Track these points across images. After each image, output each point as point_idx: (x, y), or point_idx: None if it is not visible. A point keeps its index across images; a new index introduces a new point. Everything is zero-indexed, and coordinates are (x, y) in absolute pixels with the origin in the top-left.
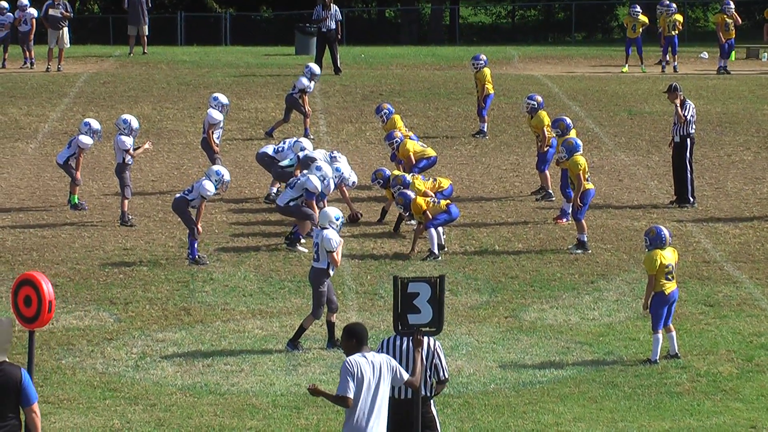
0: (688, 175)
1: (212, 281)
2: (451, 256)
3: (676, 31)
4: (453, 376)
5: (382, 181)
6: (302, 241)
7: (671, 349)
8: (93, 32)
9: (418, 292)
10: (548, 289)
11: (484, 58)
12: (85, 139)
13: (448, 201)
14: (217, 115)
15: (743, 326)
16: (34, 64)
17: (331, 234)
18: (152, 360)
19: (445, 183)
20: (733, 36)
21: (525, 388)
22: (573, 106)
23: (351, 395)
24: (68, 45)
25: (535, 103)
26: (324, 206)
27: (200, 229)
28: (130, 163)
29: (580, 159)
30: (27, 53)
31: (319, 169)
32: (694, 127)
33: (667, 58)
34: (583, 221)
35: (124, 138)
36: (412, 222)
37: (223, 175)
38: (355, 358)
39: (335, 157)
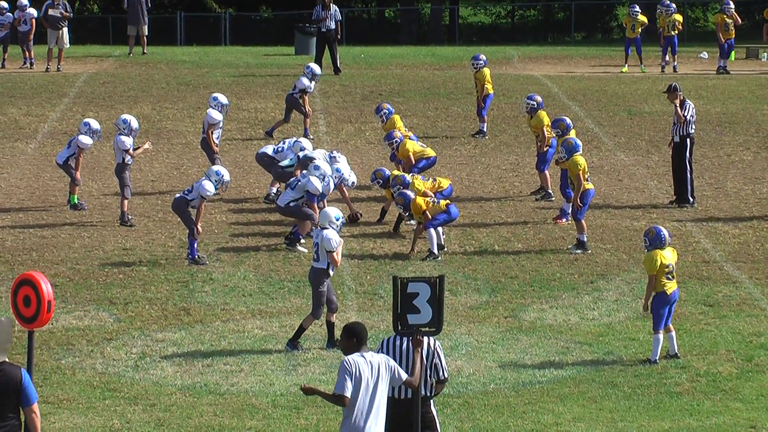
0: (688, 175)
1: (212, 281)
2: (451, 256)
3: (676, 31)
4: (453, 376)
5: (381, 181)
6: (302, 241)
7: (671, 349)
8: (92, 32)
9: (417, 292)
10: (548, 289)
11: (484, 58)
12: (85, 139)
13: (447, 201)
14: (216, 115)
15: (743, 326)
16: (33, 64)
17: (331, 234)
18: (152, 360)
19: (445, 183)
20: (733, 36)
21: (524, 388)
22: (572, 106)
23: (348, 394)
24: (68, 45)
25: (535, 103)
26: (324, 206)
27: (200, 229)
28: (129, 163)
29: (580, 159)
30: (26, 53)
31: (317, 168)
32: (693, 127)
33: (667, 58)
34: (583, 221)
35: (123, 138)
36: (412, 222)
37: (222, 176)
38: (354, 358)
39: (335, 157)
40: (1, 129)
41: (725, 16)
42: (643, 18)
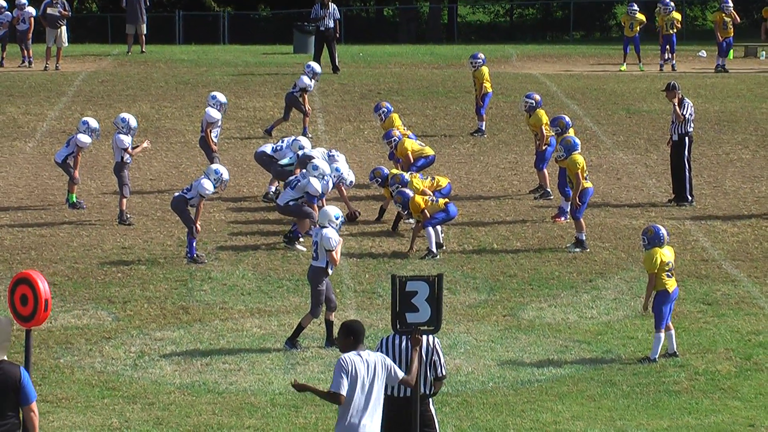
0: (687, 173)
1: (210, 280)
2: (450, 254)
3: (675, 30)
4: (451, 375)
5: (380, 180)
6: (301, 239)
7: (670, 348)
8: (91, 31)
9: (416, 290)
10: (547, 287)
11: (483, 56)
12: (84, 138)
13: (446, 200)
14: (215, 113)
15: (741, 325)
16: (32, 62)
17: (331, 233)
18: (150, 359)
19: (444, 182)
20: (732, 34)
21: (523, 386)
22: (571, 104)
23: (344, 392)
24: (66, 44)
25: (533, 101)
26: (323, 205)
27: (199, 227)
28: (128, 161)
29: (579, 158)
30: (25, 52)
31: (316, 168)
32: (692, 125)
33: (666, 57)
34: (582, 220)
35: (122, 137)
36: (411, 221)
37: (221, 174)
38: (350, 356)
39: (333, 155)
40: None
41: (724, 14)
42: (641, 16)
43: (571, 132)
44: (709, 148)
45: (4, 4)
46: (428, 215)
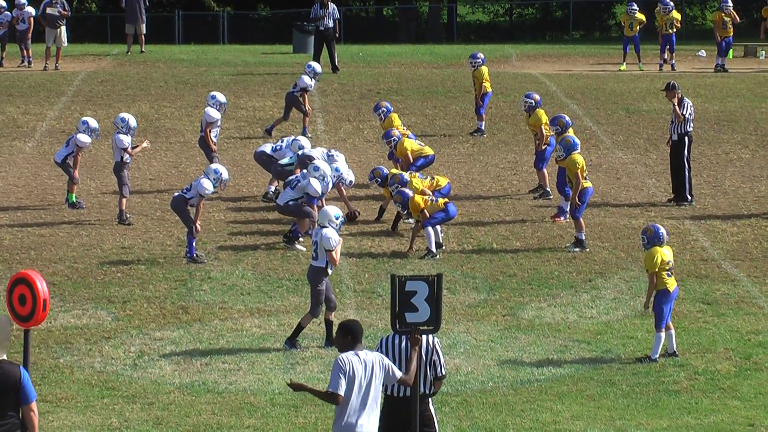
0: (686, 173)
1: (210, 280)
2: (449, 254)
3: (674, 29)
4: (451, 375)
5: (380, 180)
6: (300, 239)
7: (669, 347)
8: (91, 31)
9: (415, 290)
10: (546, 287)
11: (482, 56)
12: (83, 138)
13: (445, 199)
14: (214, 113)
15: (741, 324)
16: (31, 62)
17: (331, 233)
18: (150, 359)
19: (443, 181)
20: (731, 34)
21: (523, 386)
22: (571, 104)
23: (342, 392)
24: (66, 43)
25: (533, 101)
26: (322, 205)
27: (199, 227)
28: (128, 161)
29: (578, 157)
30: (24, 52)
31: (317, 169)
32: (692, 125)
33: (665, 57)
34: (581, 219)
35: (122, 136)
36: (410, 220)
37: (221, 174)
38: (348, 356)
39: (332, 155)
40: None
41: (723, 14)
42: (641, 16)
43: (570, 132)
44: (708, 148)
45: (4, 3)
46: (428, 215)
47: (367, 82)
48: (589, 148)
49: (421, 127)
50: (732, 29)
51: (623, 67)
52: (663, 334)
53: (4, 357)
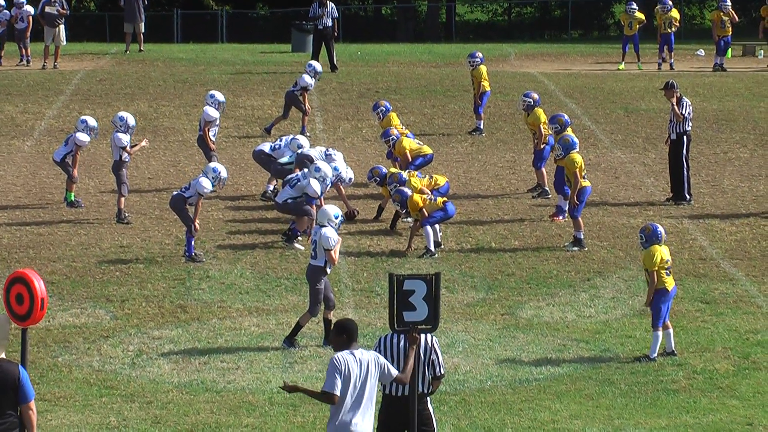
0: (685, 172)
1: (209, 279)
2: (448, 253)
3: (673, 28)
4: (449, 374)
5: (378, 179)
6: (299, 238)
7: (668, 347)
8: (89, 30)
9: (413, 289)
10: (545, 286)
11: (481, 55)
12: (82, 137)
13: (444, 198)
14: (213, 112)
15: (739, 323)
16: (30, 61)
17: (330, 232)
18: (149, 357)
19: (442, 180)
20: (730, 33)
21: (521, 385)
22: (569, 103)
23: (338, 392)
24: (65, 42)
25: (531, 100)
26: (321, 204)
27: (198, 226)
28: (126, 160)
29: (577, 156)
30: (23, 51)
31: (318, 170)
32: (690, 124)
33: (664, 56)
34: (580, 219)
35: (120, 135)
36: (409, 219)
37: (220, 172)
38: (343, 355)
39: (330, 154)
40: None
41: (722, 13)
42: (640, 15)
43: (569, 131)
44: (707, 147)
45: (3, 2)
46: (426, 214)
47: (366, 81)
48: (587, 147)
49: (420, 126)
50: (730, 28)
51: (622, 66)
52: (660, 333)
53: (3, 356)
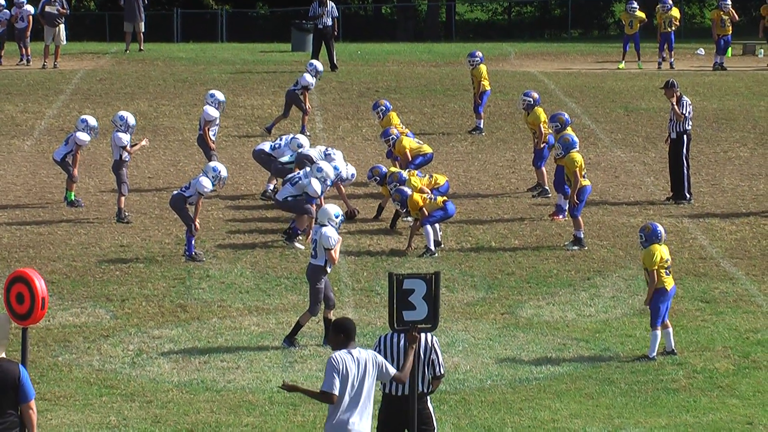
0: (685, 171)
1: (209, 278)
2: (448, 252)
3: (673, 28)
4: (449, 373)
5: (378, 178)
6: (300, 237)
7: (667, 346)
8: (89, 29)
9: (413, 288)
10: (544, 285)
11: (480, 54)
12: (83, 136)
13: (444, 198)
14: (213, 112)
15: (739, 322)
16: (30, 61)
17: (330, 231)
18: (149, 357)
19: (442, 180)
20: (730, 32)
21: (521, 384)
22: (569, 102)
23: (336, 392)
24: (65, 42)
25: (531, 99)
26: (321, 203)
27: (198, 225)
28: (126, 159)
29: (577, 156)
30: (23, 50)
31: (320, 170)
32: (690, 123)
33: (664, 55)
34: (580, 218)
35: (120, 135)
36: (409, 219)
37: (220, 172)
38: (341, 355)
39: (330, 154)
40: None
41: (722, 12)
42: (641, 14)
43: (569, 130)
44: (707, 146)
45: (3, 2)
46: (426, 213)
47: (366, 80)
48: (587, 146)
49: (420, 125)
50: (730, 27)
51: (622, 65)
52: (659, 333)
53: (3, 355)
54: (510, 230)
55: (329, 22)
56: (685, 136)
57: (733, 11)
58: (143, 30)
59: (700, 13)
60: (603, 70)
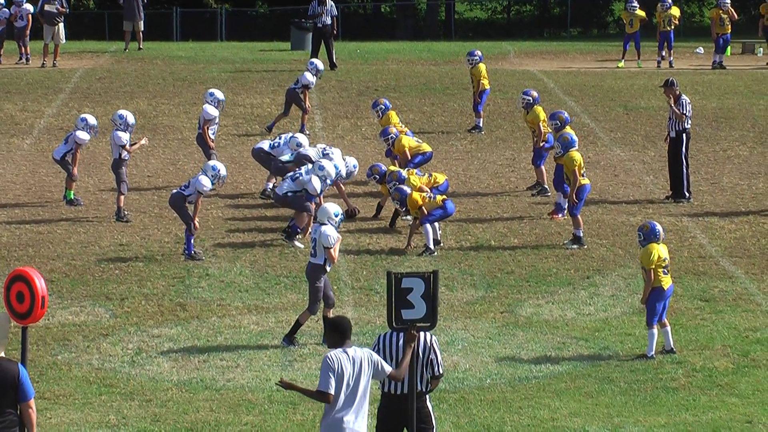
0: (684, 170)
1: (208, 277)
2: (447, 251)
3: (672, 26)
4: (449, 372)
5: (378, 177)
6: (299, 236)
7: (666, 344)
8: (88, 28)
9: (411, 287)
10: (544, 284)
11: (480, 53)
12: (82, 135)
13: (443, 196)
14: (212, 110)
15: (739, 321)
16: (29, 59)
17: (330, 230)
18: (148, 356)
19: (441, 178)
20: (729, 31)
21: (521, 383)
22: (569, 101)
23: (332, 391)
24: (64, 41)
25: (531, 98)
26: (321, 202)
27: (197, 224)
28: (126, 158)
29: (576, 154)
30: (22, 49)
31: (322, 168)
32: (689, 122)
33: (663, 54)
34: (579, 216)
35: (120, 134)
36: (408, 217)
37: (219, 170)
38: (336, 353)
39: (328, 153)
40: None
41: (721, 11)
42: (641, 13)
43: (569, 128)
44: (706, 145)
45: (2, 1)
46: (426, 212)
47: (365, 79)
48: (587, 145)
49: (419, 124)
50: (730, 26)
51: (621, 64)
52: (656, 331)
53: (2, 354)
54: (509, 229)
55: (328, 21)
56: (684, 135)
57: (733, 10)
58: (142, 29)
59: (700, 12)
60: (602, 69)
